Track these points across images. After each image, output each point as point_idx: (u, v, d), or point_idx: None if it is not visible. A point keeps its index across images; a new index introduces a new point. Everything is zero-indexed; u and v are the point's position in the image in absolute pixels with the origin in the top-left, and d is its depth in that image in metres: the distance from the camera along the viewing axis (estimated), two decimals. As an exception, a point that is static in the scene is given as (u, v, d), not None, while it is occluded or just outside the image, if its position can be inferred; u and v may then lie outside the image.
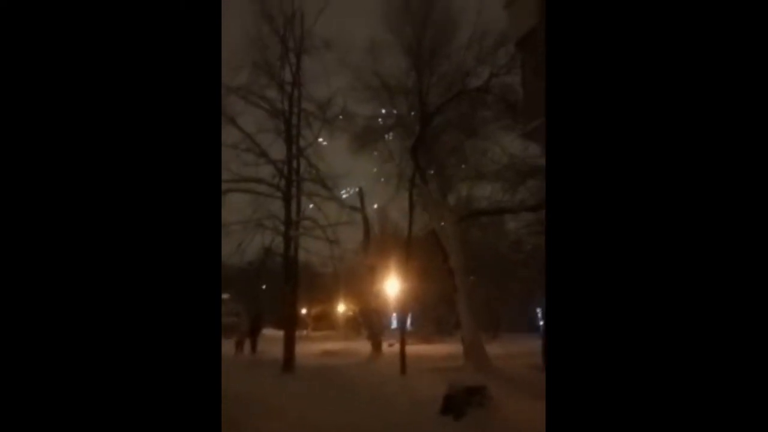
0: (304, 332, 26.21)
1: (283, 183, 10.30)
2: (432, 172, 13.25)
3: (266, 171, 10.41)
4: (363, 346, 18.35)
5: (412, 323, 25.12)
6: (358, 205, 13.24)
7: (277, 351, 15.05)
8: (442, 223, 11.86)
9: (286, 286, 9.94)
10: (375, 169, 14.28)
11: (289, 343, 10.04)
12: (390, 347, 16.35)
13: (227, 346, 15.20)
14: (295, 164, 10.55)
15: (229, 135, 10.04)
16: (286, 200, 10.15)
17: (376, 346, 15.19)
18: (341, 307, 28.12)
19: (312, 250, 10.70)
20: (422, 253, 18.03)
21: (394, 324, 26.73)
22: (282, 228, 10.08)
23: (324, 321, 30.31)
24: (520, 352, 13.53)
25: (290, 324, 10.32)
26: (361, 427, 5.42)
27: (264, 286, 26.24)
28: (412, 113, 13.33)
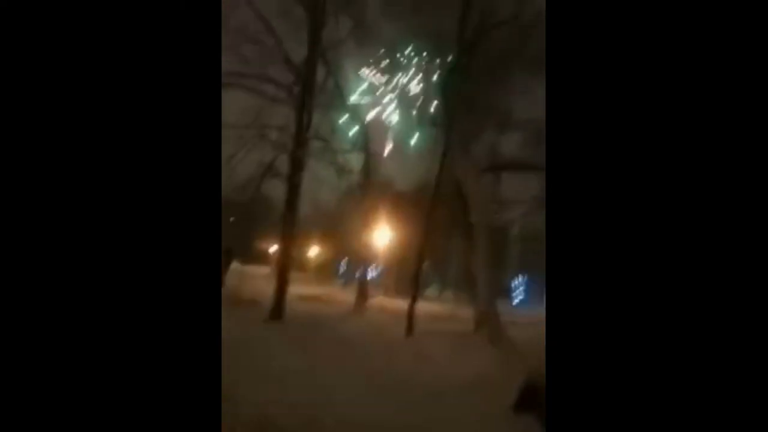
0: (267, 269, 24.14)
1: (298, 88, 7.70)
2: (459, 113, 10.95)
3: (277, 68, 7.76)
4: (338, 293, 16.54)
5: (377, 276, 23.45)
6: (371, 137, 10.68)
7: (246, 289, 12.99)
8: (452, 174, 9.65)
9: (288, 215, 7.58)
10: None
11: (282, 286, 7.79)
12: (371, 298, 14.55)
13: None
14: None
15: (236, 14, 7.30)
16: (299, 110, 7.60)
17: (363, 296, 13.27)
18: (314, 250, 25.94)
19: (321, 177, 8.26)
20: (422, 205, 16.07)
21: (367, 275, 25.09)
22: (289, 144, 7.57)
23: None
24: (519, 320, 11.98)
25: (285, 264, 8.03)
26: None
27: (231, 219, 23.68)
28: (445, 38, 10.73)
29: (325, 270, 26.00)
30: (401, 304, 13.92)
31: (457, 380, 5.49)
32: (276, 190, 8.34)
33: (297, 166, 7.50)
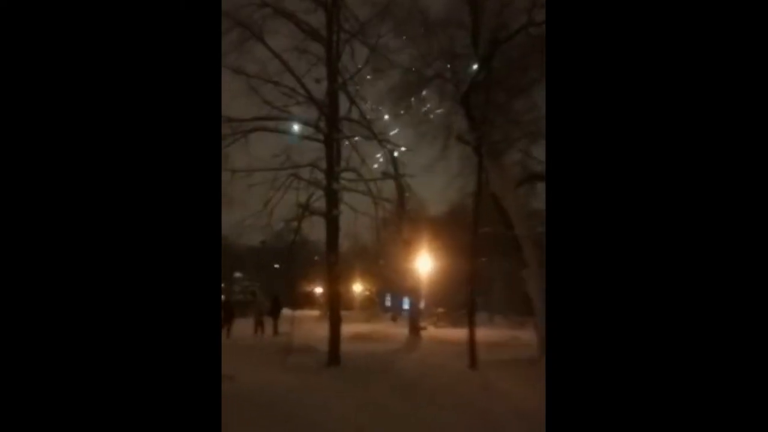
0: (317, 312, 23.74)
1: (323, 122, 7.43)
2: (485, 128, 10.44)
3: (300, 106, 7.55)
4: (387, 328, 15.87)
5: (424, 306, 22.43)
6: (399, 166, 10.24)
7: (299, 333, 12.52)
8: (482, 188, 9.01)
9: (330, 255, 7.15)
10: (414, 127, 11.32)
11: (336, 329, 7.27)
12: (423, 330, 13.76)
13: (245, 327, 12.75)
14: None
15: (254, 59, 7.20)
16: (328, 145, 7.29)
17: (415, 330, 12.55)
18: (357, 287, 25.41)
19: (357, 209, 7.82)
20: (459, 228, 15.38)
21: (405, 305, 24.34)
22: (323, 180, 7.23)
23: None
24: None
25: (336, 305, 7.54)
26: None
27: (276, 266, 23.60)
28: (460, 56, 10.36)
29: (371, 305, 25.35)
30: (453, 333, 13.15)
31: (537, 416, 4.72)
32: (314, 228, 8.00)
33: (333, 200, 7.12)
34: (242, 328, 12.65)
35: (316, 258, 23.37)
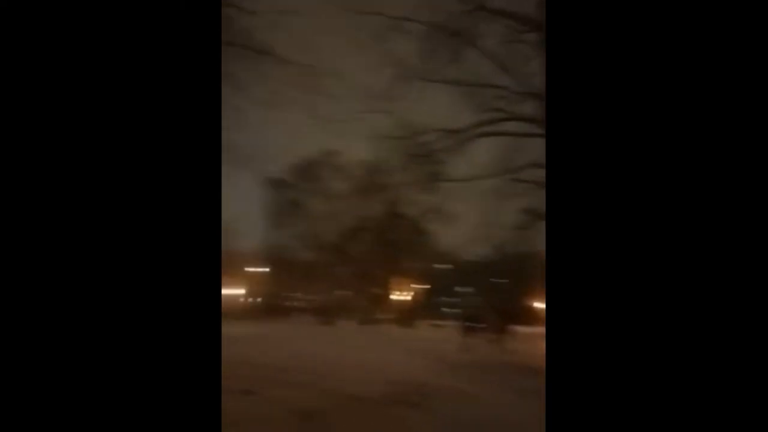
0: (541, 329, 21.77)
1: (543, 116, 6.58)
2: None
3: (518, 105, 6.89)
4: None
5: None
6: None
7: (525, 352, 11.44)
8: None
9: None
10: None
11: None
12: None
13: (476, 341, 12.50)
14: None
15: (462, 64, 6.97)
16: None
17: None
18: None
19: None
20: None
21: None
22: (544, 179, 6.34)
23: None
24: None
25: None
26: None
27: (505, 281, 22.79)
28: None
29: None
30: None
31: None
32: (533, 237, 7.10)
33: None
34: (470, 342, 12.41)
35: (537, 270, 21.63)
